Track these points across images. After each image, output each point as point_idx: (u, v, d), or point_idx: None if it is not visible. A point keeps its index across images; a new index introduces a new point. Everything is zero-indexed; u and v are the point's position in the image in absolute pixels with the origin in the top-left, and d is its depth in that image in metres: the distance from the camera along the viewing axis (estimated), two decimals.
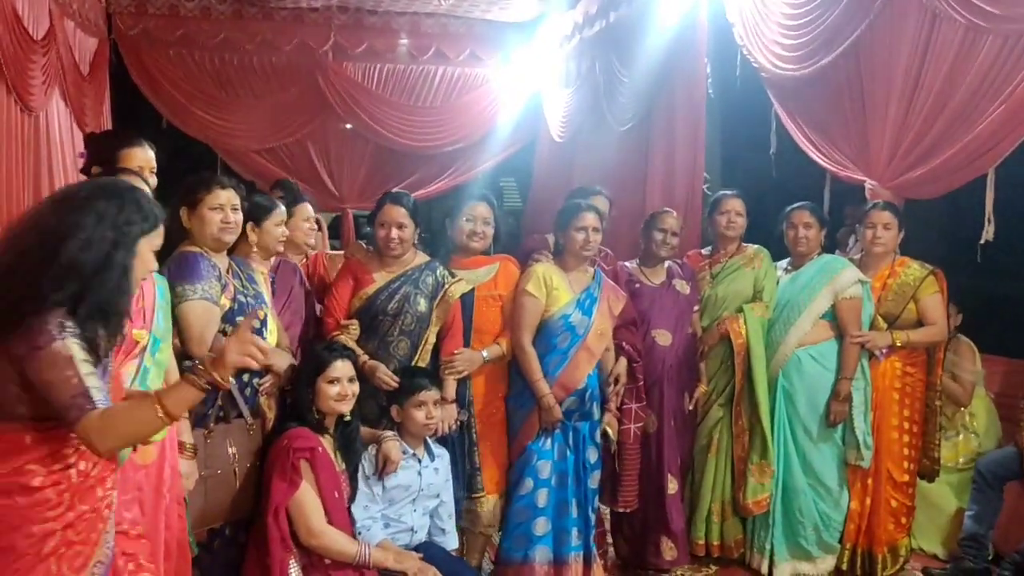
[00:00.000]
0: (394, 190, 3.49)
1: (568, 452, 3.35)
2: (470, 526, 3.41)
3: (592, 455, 3.41)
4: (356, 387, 2.87)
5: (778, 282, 3.84)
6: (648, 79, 5.79)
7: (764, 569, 3.77)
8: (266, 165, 8.27)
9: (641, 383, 3.60)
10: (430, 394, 3.04)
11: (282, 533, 2.65)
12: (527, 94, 8.53)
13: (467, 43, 8.61)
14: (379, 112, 8.51)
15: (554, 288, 3.35)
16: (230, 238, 2.84)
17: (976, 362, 4.22)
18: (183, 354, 2.69)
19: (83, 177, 2.99)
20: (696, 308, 3.85)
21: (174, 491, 2.50)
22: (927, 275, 3.67)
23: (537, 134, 8.61)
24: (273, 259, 3.31)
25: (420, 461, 3.04)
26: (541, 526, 3.33)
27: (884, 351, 3.69)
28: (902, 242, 3.77)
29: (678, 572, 3.80)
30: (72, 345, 1.73)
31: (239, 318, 2.80)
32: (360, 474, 2.92)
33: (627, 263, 3.88)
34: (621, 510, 3.67)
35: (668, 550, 3.75)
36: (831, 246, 4.40)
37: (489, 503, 3.38)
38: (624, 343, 3.56)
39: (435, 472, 3.08)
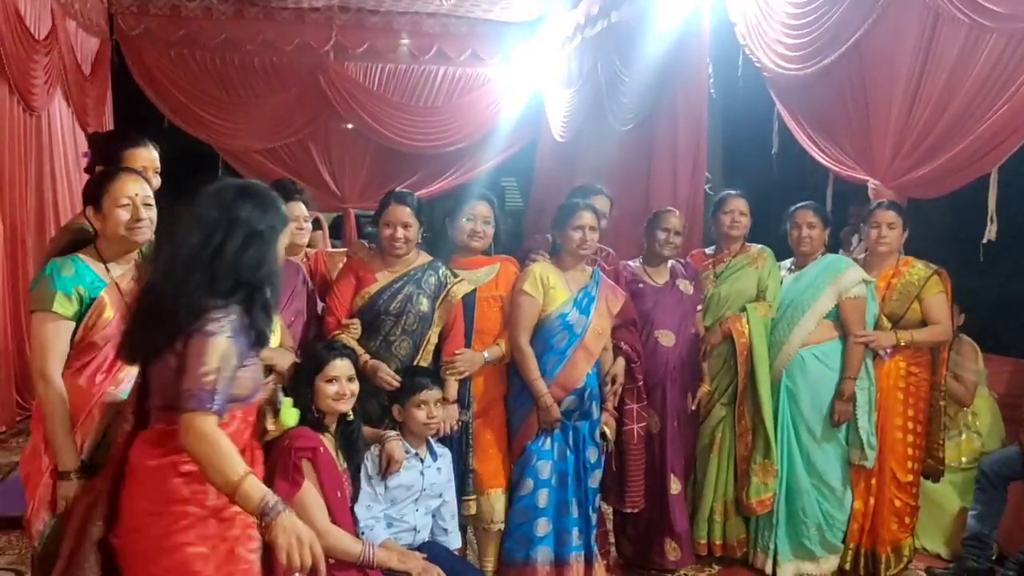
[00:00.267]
0: (398, 189, 3.48)
1: (568, 452, 3.34)
2: (476, 524, 3.40)
3: (592, 455, 3.40)
4: (356, 386, 2.86)
5: (782, 282, 3.84)
6: (650, 79, 5.79)
7: (768, 569, 3.76)
8: (267, 165, 8.28)
9: (641, 383, 3.60)
10: (431, 394, 3.04)
11: None
12: (528, 94, 8.54)
13: (468, 43, 8.62)
14: (380, 112, 8.52)
15: (551, 287, 3.34)
16: None
17: (978, 362, 4.22)
18: None
19: (86, 176, 2.99)
20: (699, 308, 3.84)
21: None
22: (931, 275, 3.67)
23: (538, 134, 8.61)
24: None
25: (423, 461, 3.03)
26: (542, 527, 3.32)
27: (888, 351, 3.68)
28: (906, 242, 3.76)
29: (681, 572, 3.79)
30: (227, 343, 1.86)
31: None
32: (363, 474, 2.91)
33: (630, 263, 3.87)
34: (629, 511, 3.67)
35: (672, 551, 3.74)
36: (834, 245, 4.40)
37: (491, 499, 3.37)
38: (623, 343, 3.55)
39: (438, 472, 3.07)
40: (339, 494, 2.75)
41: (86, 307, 2.31)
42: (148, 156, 3.11)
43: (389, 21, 8.41)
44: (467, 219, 3.36)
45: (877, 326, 3.69)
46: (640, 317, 3.66)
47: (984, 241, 3.69)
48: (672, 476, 3.71)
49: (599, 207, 3.67)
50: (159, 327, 1.92)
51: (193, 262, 1.91)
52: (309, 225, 3.87)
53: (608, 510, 3.78)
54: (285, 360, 2.91)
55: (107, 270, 2.39)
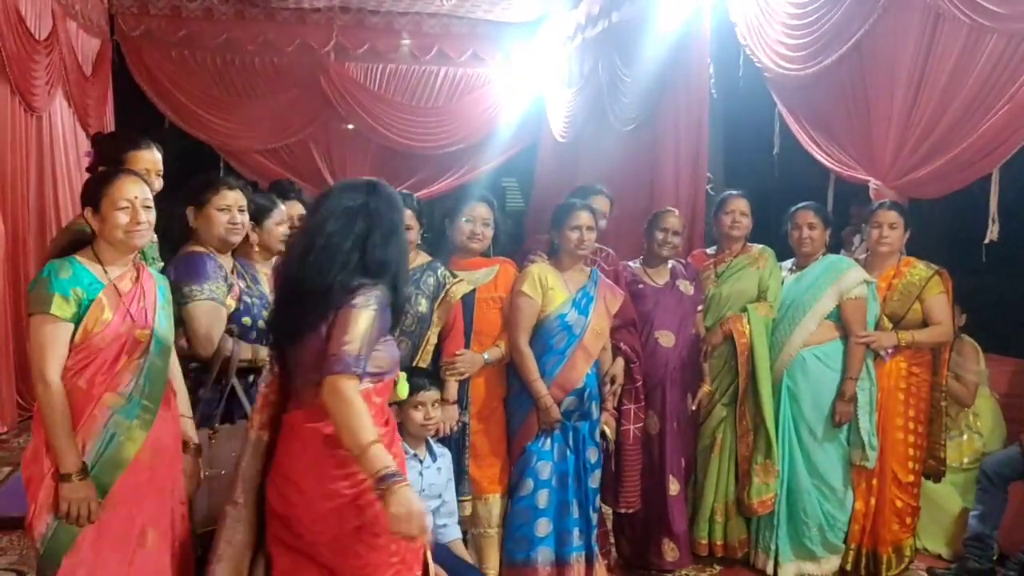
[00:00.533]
0: (400, 190, 3.47)
1: (568, 452, 3.34)
2: (474, 528, 3.39)
3: (592, 455, 3.40)
4: None
5: (783, 282, 3.84)
6: (651, 79, 5.79)
7: (769, 569, 3.76)
8: (268, 165, 8.28)
9: (640, 383, 3.59)
10: (429, 394, 3.03)
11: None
12: (529, 94, 8.53)
13: (469, 43, 8.61)
14: (381, 112, 8.52)
15: (550, 288, 3.34)
16: (236, 239, 2.85)
17: (980, 362, 4.21)
18: (189, 354, 2.69)
19: (87, 176, 2.99)
20: (700, 308, 3.84)
21: (179, 491, 2.50)
22: (932, 275, 3.67)
23: (539, 135, 8.60)
24: (275, 259, 3.31)
25: (422, 462, 3.03)
26: (543, 527, 3.32)
27: (889, 351, 3.68)
28: (907, 242, 3.76)
29: (682, 573, 3.79)
30: (373, 315, 2.07)
31: (244, 318, 2.81)
32: None
33: (630, 263, 3.87)
34: (623, 511, 3.67)
35: (670, 551, 3.74)
36: (836, 245, 4.40)
37: (489, 504, 3.37)
38: (622, 343, 3.55)
39: (437, 472, 3.07)
40: None
41: (85, 309, 2.29)
42: (151, 158, 3.12)
43: (390, 21, 8.41)
44: (466, 220, 3.36)
45: (878, 326, 3.69)
46: (640, 318, 3.65)
47: (986, 241, 3.69)
48: (671, 477, 3.71)
49: (598, 207, 3.67)
50: (312, 306, 2.11)
51: (339, 248, 2.12)
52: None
53: (608, 510, 3.78)
54: None
55: (105, 271, 2.38)
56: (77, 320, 2.29)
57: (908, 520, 3.76)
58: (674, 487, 3.72)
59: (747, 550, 3.88)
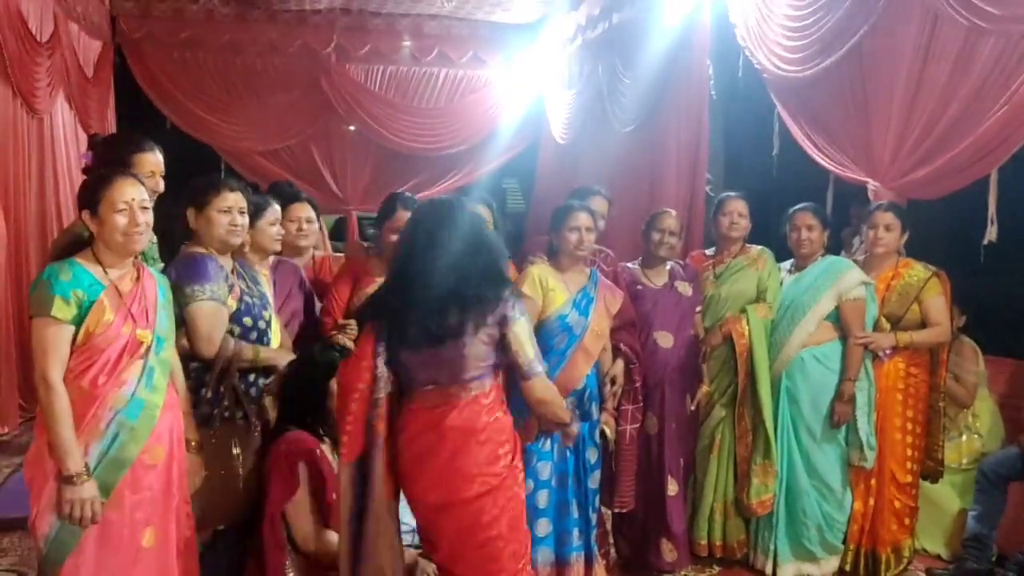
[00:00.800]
0: (402, 192, 3.49)
1: (568, 453, 3.34)
2: None
3: (592, 455, 3.40)
4: None
5: (782, 283, 3.85)
6: (651, 81, 5.80)
7: (768, 570, 3.77)
8: (270, 167, 8.29)
9: (638, 384, 3.60)
10: None
11: (277, 536, 2.65)
12: (530, 96, 8.54)
13: (470, 45, 8.62)
14: (382, 114, 8.53)
15: (550, 289, 3.34)
16: (237, 241, 2.85)
17: (979, 363, 4.22)
18: (191, 354, 2.70)
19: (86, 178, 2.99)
20: (698, 309, 3.85)
21: (182, 490, 2.51)
22: (930, 276, 3.67)
23: (540, 136, 8.61)
24: (272, 259, 3.32)
25: None
26: (542, 527, 3.32)
27: (887, 352, 3.69)
28: (906, 243, 3.77)
29: (680, 573, 3.80)
30: (528, 321, 2.49)
31: (245, 319, 2.82)
32: None
33: (629, 264, 3.88)
34: (617, 510, 3.67)
35: (668, 552, 3.74)
36: (835, 247, 4.40)
37: None
38: (622, 344, 3.55)
39: None
40: (335, 496, 2.76)
41: (86, 310, 2.30)
42: (155, 160, 3.13)
43: (391, 23, 8.42)
44: None
45: (876, 327, 3.70)
46: (639, 319, 3.66)
47: (984, 242, 3.69)
48: (670, 477, 3.71)
49: (596, 208, 3.67)
50: (465, 313, 2.38)
51: (467, 260, 2.41)
52: (315, 226, 3.88)
53: (607, 510, 3.79)
54: (284, 359, 2.92)
55: (105, 272, 2.38)
56: (78, 322, 2.29)
57: (907, 520, 3.77)
58: (673, 488, 3.73)
59: (746, 551, 3.89)
